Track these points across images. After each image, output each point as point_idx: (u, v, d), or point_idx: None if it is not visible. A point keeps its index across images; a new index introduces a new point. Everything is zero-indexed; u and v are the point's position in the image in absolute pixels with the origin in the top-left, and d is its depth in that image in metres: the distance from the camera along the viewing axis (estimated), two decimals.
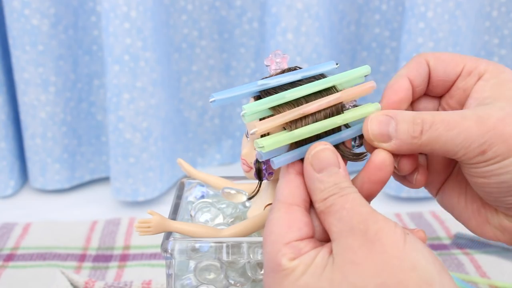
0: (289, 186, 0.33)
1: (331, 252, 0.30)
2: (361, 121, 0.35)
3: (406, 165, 0.36)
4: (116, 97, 0.79)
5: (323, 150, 0.33)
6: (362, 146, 0.37)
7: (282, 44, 0.78)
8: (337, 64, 0.37)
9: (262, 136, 0.34)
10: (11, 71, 0.84)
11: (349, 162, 0.36)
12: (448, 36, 0.77)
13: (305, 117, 0.34)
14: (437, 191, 0.40)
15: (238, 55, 0.90)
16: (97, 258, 0.68)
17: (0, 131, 0.84)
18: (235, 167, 0.96)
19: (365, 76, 0.36)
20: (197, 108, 0.92)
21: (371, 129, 0.34)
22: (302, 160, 0.34)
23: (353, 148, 0.37)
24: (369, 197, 0.34)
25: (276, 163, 0.33)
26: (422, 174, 0.37)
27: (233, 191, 0.47)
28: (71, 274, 0.59)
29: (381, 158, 0.34)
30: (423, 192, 0.84)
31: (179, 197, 0.48)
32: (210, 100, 0.34)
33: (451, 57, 0.37)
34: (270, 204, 0.40)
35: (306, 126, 0.34)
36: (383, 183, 0.34)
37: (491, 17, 0.83)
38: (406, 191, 0.83)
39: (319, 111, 0.34)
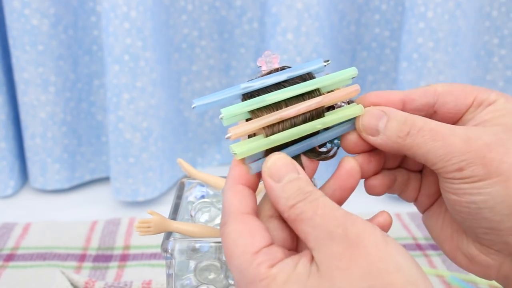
0: (238, 196, 0.33)
1: (311, 260, 0.30)
2: (342, 124, 0.35)
3: (366, 165, 0.36)
4: (116, 97, 0.79)
5: (278, 159, 0.32)
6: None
7: (282, 44, 0.78)
8: (327, 61, 0.36)
9: (249, 136, 0.34)
10: (11, 71, 0.84)
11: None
12: (448, 36, 0.76)
13: (283, 121, 0.33)
14: (424, 210, 0.41)
15: (238, 55, 0.90)
16: (97, 258, 0.68)
17: (0, 131, 0.84)
18: None
19: (353, 78, 0.36)
20: None
21: (362, 120, 0.35)
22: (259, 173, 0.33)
23: (334, 148, 0.36)
24: (338, 204, 0.34)
25: (254, 168, 0.33)
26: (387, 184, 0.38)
27: None
28: (71, 274, 0.59)
29: (351, 165, 0.34)
30: None
31: (179, 197, 0.48)
32: (192, 106, 0.34)
33: (462, 88, 0.36)
34: None
35: (283, 132, 0.33)
36: (352, 189, 0.35)
37: (491, 17, 0.83)
38: None
39: (298, 115, 0.34)
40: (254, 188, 0.34)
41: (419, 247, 0.70)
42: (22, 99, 0.82)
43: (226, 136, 0.33)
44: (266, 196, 0.34)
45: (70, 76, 0.85)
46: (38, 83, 0.82)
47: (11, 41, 0.80)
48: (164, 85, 0.84)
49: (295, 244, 0.34)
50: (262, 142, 0.33)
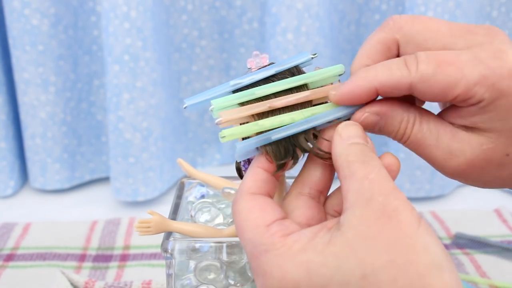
0: (253, 178, 0.33)
1: (331, 228, 0.30)
2: (333, 111, 0.35)
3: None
4: (116, 97, 0.79)
5: (352, 124, 0.33)
6: None
7: (282, 44, 0.78)
8: (314, 54, 0.36)
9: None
10: (11, 71, 0.84)
11: None
12: None
13: (272, 111, 0.34)
14: None
15: (238, 55, 0.91)
16: (97, 258, 0.68)
17: (0, 131, 0.84)
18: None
19: (340, 75, 0.36)
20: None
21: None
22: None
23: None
24: None
25: (239, 148, 0.33)
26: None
27: (233, 191, 0.47)
28: (71, 274, 0.59)
29: (391, 161, 0.33)
30: (423, 192, 0.84)
31: (179, 197, 0.48)
32: (183, 106, 0.34)
33: (444, 83, 0.31)
34: None
35: (271, 117, 0.33)
36: None
37: (491, 17, 0.83)
38: (406, 191, 0.83)
39: (287, 107, 0.34)
40: (276, 176, 0.34)
41: None
42: (22, 99, 0.82)
43: (217, 121, 0.33)
44: (298, 176, 0.35)
45: (70, 76, 0.85)
46: (38, 83, 0.82)
47: (11, 41, 0.80)
48: (164, 85, 0.84)
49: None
50: (251, 127, 0.33)
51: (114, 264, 0.67)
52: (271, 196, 0.33)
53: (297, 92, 0.34)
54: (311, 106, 0.34)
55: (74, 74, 0.85)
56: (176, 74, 0.89)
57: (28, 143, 0.85)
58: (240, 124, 0.34)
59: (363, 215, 0.28)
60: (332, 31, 0.82)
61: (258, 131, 0.33)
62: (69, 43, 0.83)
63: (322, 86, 0.36)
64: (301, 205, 0.34)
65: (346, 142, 0.32)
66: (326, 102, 0.35)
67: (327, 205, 0.35)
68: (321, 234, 0.29)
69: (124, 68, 0.77)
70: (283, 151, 0.33)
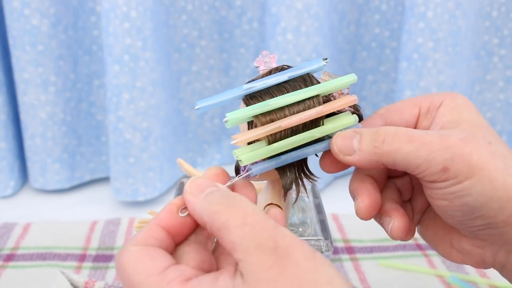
0: (146, 232, 0.31)
1: (234, 274, 0.29)
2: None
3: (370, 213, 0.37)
4: (116, 97, 0.79)
5: (197, 178, 0.32)
6: None
7: (282, 44, 0.78)
8: (325, 59, 0.37)
9: (249, 143, 0.35)
10: (11, 71, 0.84)
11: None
12: (448, 36, 0.77)
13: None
14: (417, 223, 0.41)
15: (238, 55, 0.91)
16: (97, 258, 0.68)
17: (0, 131, 0.84)
18: None
19: (351, 84, 0.37)
20: None
21: (336, 143, 0.35)
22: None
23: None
24: None
25: (254, 171, 0.34)
26: (398, 220, 0.37)
27: None
28: (71, 274, 0.59)
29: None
30: None
31: None
32: (195, 107, 0.34)
33: (404, 103, 0.37)
34: (270, 204, 0.40)
35: (284, 140, 0.34)
36: None
37: (491, 17, 0.83)
38: None
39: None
40: (172, 232, 0.32)
41: (419, 247, 0.70)
42: (22, 99, 0.82)
43: (232, 142, 0.34)
44: None
45: (70, 76, 0.85)
46: (38, 83, 0.82)
47: (11, 41, 0.80)
48: (164, 85, 0.84)
49: (213, 268, 0.32)
50: (265, 150, 0.34)
51: (114, 264, 0.67)
52: (165, 241, 0.31)
53: (309, 101, 0.35)
54: (321, 117, 0.35)
55: (74, 74, 0.85)
56: (176, 74, 0.89)
57: (28, 143, 0.85)
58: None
59: (259, 262, 0.27)
60: (331, 31, 0.82)
61: (271, 154, 0.34)
62: (69, 43, 0.83)
63: (330, 94, 0.36)
64: (189, 251, 0.32)
65: (201, 196, 0.30)
66: (335, 113, 0.36)
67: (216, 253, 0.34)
68: (222, 278, 0.29)
69: (124, 68, 0.77)
70: (289, 180, 0.35)
